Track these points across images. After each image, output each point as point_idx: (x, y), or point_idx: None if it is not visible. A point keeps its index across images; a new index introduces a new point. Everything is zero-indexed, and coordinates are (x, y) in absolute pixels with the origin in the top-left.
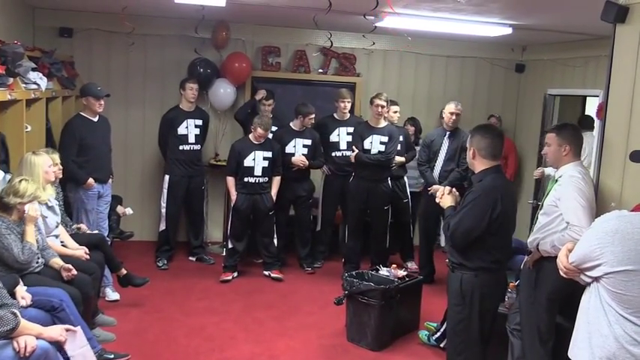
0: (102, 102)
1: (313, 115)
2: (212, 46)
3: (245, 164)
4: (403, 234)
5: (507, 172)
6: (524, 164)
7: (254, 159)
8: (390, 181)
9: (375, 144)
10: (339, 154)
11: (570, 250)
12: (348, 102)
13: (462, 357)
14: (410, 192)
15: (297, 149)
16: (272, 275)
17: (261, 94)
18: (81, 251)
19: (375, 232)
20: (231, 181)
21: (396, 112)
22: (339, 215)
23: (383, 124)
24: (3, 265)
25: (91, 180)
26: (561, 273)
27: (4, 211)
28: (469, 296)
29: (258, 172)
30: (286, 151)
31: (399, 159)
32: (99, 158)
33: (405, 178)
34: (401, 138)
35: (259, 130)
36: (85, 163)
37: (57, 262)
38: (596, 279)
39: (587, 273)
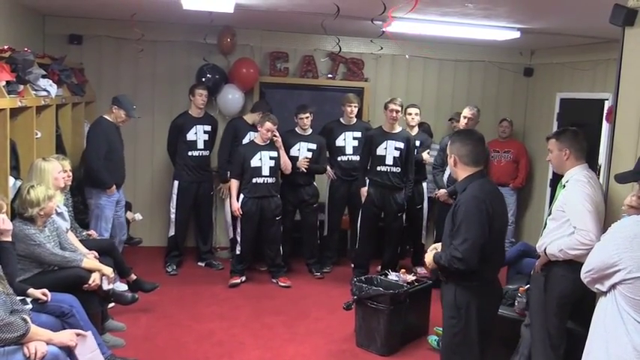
0: (128, 120)
1: (306, 115)
2: (219, 52)
3: (252, 165)
4: (414, 239)
5: (519, 175)
6: (535, 168)
7: (260, 159)
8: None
9: (389, 149)
10: (344, 158)
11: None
12: (355, 106)
13: None
14: (428, 197)
15: (302, 152)
16: (280, 284)
17: None
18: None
19: (389, 237)
20: (234, 183)
21: (411, 114)
22: (345, 220)
23: (398, 129)
24: (37, 265)
25: (113, 187)
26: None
27: (29, 221)
28: (465, 308)
29: (265, 171)
30: (290, 154)
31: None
32: (120, 162)
33: (424, 184)
34: (418, 143)
35: (268, 124)
36: (111, 167)
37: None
38: (613, 286)
39: (604, 281)
